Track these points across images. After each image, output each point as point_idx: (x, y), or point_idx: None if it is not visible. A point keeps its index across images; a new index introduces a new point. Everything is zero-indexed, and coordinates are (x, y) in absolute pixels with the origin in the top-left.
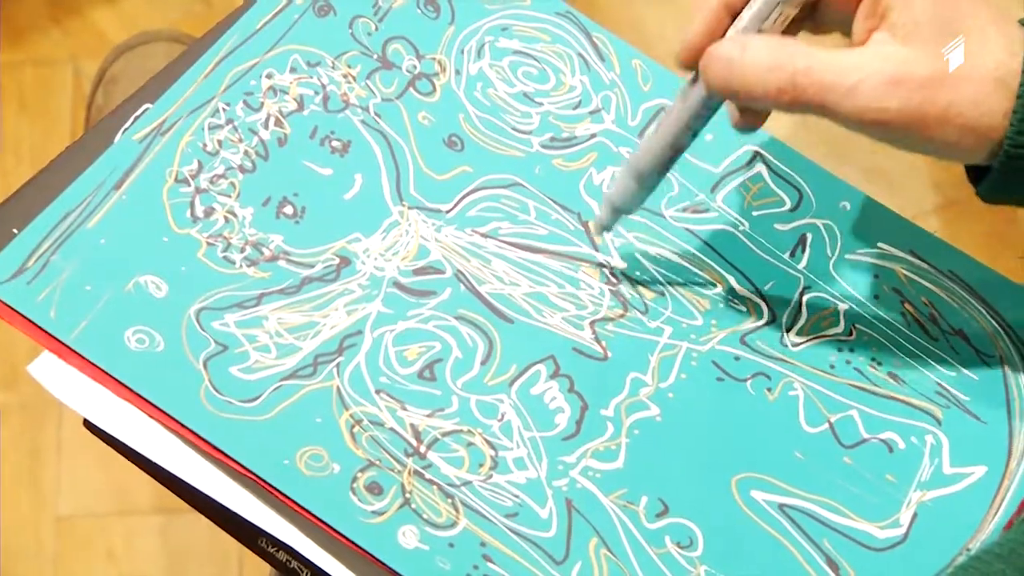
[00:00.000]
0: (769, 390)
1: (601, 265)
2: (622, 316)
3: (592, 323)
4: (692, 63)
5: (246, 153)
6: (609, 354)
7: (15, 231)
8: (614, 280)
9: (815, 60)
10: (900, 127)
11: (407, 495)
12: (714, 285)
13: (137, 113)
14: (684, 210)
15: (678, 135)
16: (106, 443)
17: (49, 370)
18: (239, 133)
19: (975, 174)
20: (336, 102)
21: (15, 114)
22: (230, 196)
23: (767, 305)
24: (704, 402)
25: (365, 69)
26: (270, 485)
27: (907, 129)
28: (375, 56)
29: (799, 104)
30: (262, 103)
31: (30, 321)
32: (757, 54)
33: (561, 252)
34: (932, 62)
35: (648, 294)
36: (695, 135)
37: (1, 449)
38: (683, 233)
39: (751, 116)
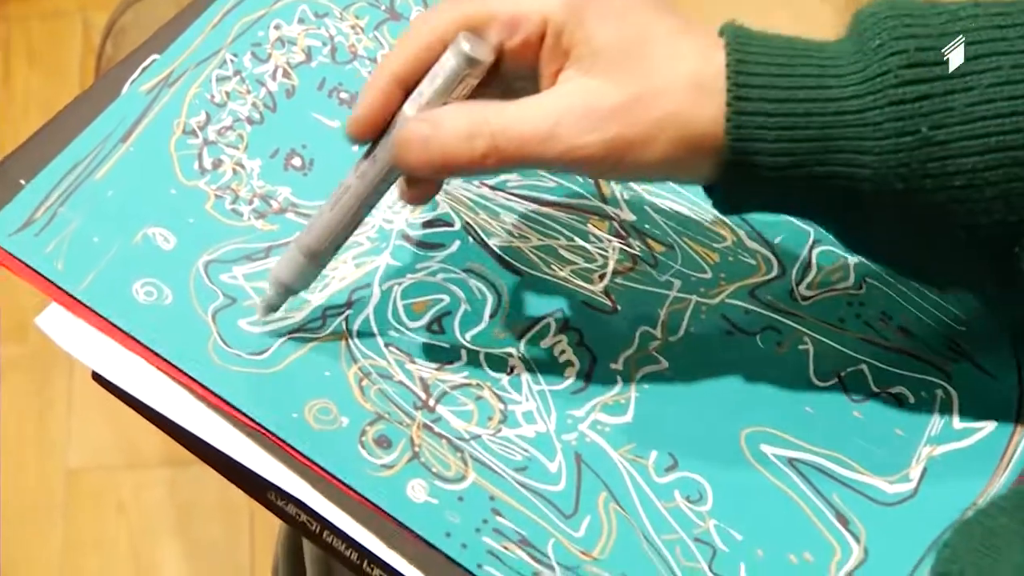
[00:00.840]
0: (779, 344)
1: (611, 218)
2: (631, 269)
3: (601, 276)
4: (364, 138)
5: (254, 104)
6: (618, 307)
7: (22, 182)
8: (623, 233)
9: (508, 116)
10: (609, 158)
11: (416, 449)
12: (723, 239)
13: (144, 64)
14: None
15: (358, 211)
16: (114, 395)
17: (57, 322)
18: (247, 84)
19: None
20: (344, 53)
21: (24, 66)
22: (238, 148)
23: (777, 259)
24: (713, 356)
25: (373, 20)
26: (279, 438)
27: (616, 158)
28: (383, 7)
29: (506, 163)
30: (269, 54)
31: (38, 273)
32: (452, 126)
33: (570, 204)
34: (622, 87)
35: (657, 247)
36: (372, 208)
37: (11, 402)
38: (693, 186)
39: (424, 190)
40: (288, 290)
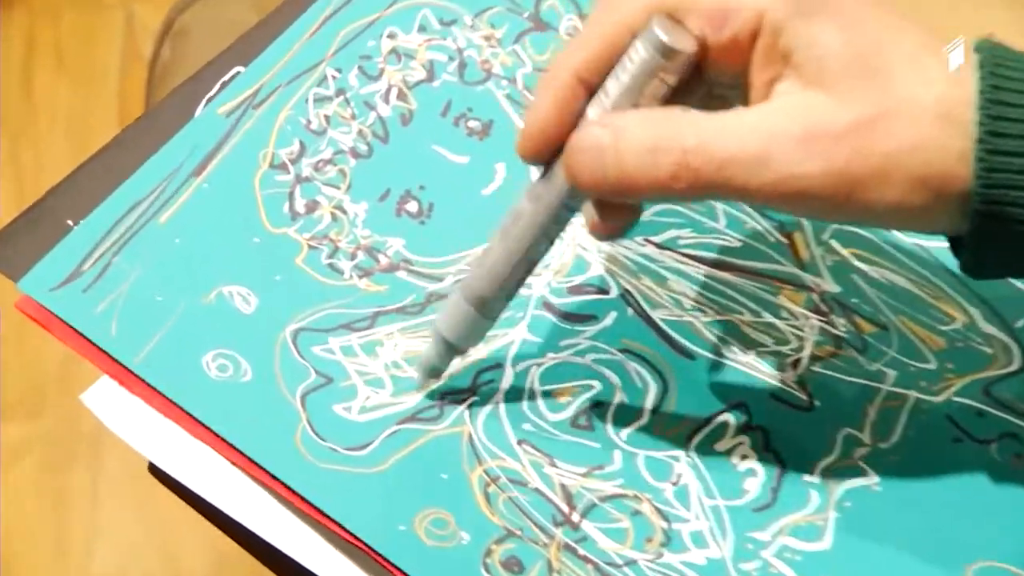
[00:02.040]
0: (1018, 456)
1: (808, 289)
2: (833, 355)
3: (795, 363)
4: (541, 156)
5: (360, 133)
6: (815, 403)
7: (70, 223)
8: (824, 308)
9: (708, 130)
10: (832, 196)
11: (554, 574)
12: (952, 319)
13: (225, 78)
14: None
15: (532, 246)
16: (176, 493)
17: (107, 400)
18: (352, 107)
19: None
20: (475, 71)
21: (51, 70)
22: (339, 187)
23: (1019, 347)
24: (935, 468)
25: (512, 30)
26: (381, 556)
27: (839, 196)
28: (525, 15)
29: (699, 189)
30: (382, 70)
31: (86, 339)
32: (635, 137)
33: (757, 270)
34: (854, 106)
35: (867, 327)
36: (553, 242)
37: (20, 494)
38: (914, 251)
39: (619, 217)
40: (452, 349)
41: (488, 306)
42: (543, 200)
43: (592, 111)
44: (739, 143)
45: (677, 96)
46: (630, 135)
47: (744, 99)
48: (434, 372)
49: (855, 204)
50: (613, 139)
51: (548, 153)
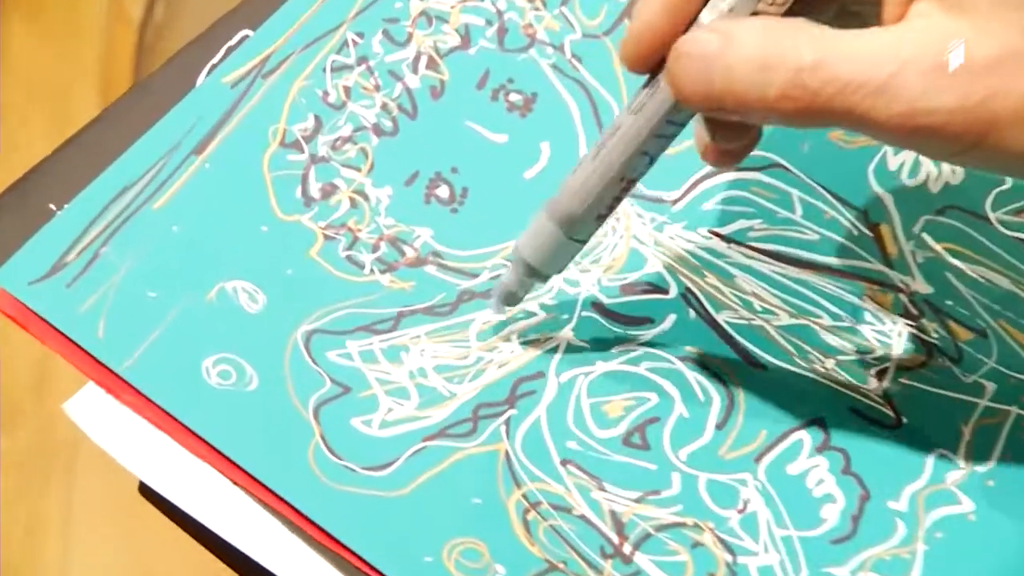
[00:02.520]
0: None
1: (897, 289)
2: (924, 365)
3: (880, 373)
4: (645, 62)
5: (384, 107)
6: (903, 420)
7: (52, 207)
8: (914, 311)
9: (829, 48)
10: (962, 133)
11: None
12: None
13: (231, 43)
14: (1020, 212)
15: (629, 162)
16: (167, 515)
17: (92, 410)
18: (375, 78)
19: None
20: (517, 37)
21: (23, 31)
22: (360, 169)
23: None
24: None
25: None
26: None
27: (971, 135)
28: None
29: (813, 114)
30: (410, 35)
31: (69, 340)
32: (747, 47)
33: (838, 267)
34: (999, 37)
35: (963, 334)
36: (653, 161)
37: None
38: (1016, 247)
39: (734, 138)
40: (534, 273)
41: (576, 227)
42: (645, 111)
43: (706, 15)
44: (865, 67)
45: (806, 8)
46: (741, 44)
47: (877, 22)
48: (511, 299)
49: (989, 146)
50: (722, 47)
51: (655, 60)
